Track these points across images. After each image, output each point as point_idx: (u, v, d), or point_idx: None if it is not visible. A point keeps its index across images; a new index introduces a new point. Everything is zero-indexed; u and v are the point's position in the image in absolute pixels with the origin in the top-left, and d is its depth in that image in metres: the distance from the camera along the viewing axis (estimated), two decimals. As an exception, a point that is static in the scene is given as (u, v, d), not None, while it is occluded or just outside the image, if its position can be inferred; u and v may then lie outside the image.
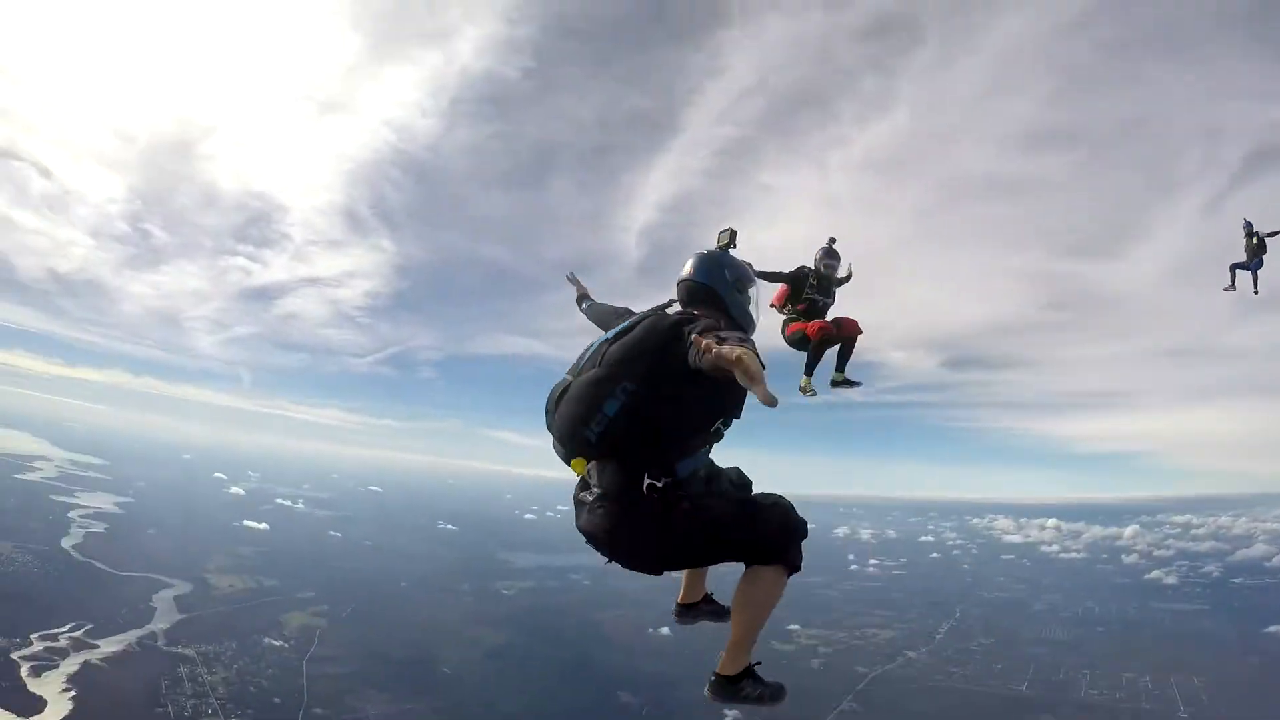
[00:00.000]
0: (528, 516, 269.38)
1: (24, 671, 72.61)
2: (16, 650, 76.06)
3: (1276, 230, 16.96)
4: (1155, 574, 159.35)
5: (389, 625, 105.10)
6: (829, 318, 11.53)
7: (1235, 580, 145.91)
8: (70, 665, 76.15)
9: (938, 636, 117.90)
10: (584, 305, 5.93)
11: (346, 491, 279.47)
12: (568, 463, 4.11)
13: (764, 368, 3.10)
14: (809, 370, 11.33)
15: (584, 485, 4.27)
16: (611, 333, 4.18)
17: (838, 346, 11.44)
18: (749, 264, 4.84)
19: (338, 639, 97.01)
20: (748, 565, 4.50)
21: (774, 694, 4.70)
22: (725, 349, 3.00)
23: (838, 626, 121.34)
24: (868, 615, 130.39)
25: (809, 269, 11.59)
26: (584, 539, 4.35)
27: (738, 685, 4.68)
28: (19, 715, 64.85)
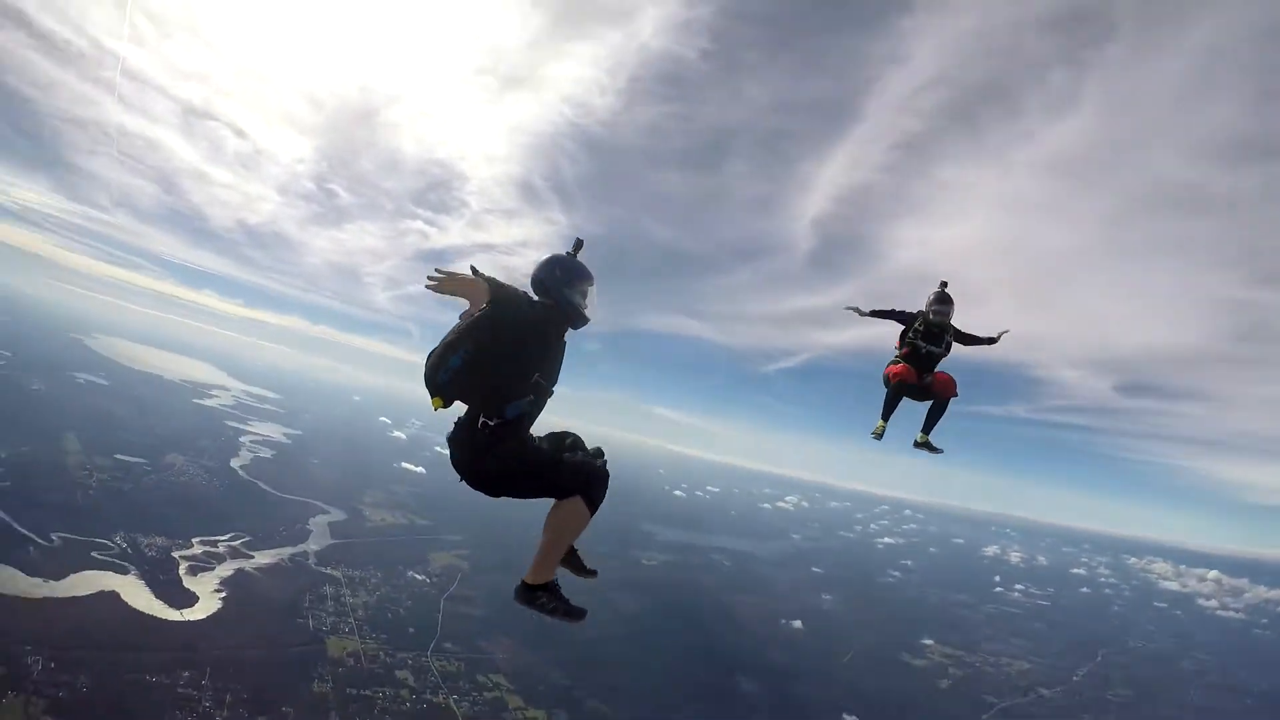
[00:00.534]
0: (677, 493, 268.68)
1: (182, 570, 77.70)
2: (178, 550, 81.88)
3: None
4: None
5: None
6: (937, 369, 11.31)
7: None
8: (225, 570, 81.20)
9: (1075, 678, 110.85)
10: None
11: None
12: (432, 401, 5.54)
13: (474, 279, 5.24)
14: (884, 414, 11.38)
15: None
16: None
17: (929, 404, 11.45)
18: (583, 267, 6.00)
19: (478, 583, 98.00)
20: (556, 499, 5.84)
21: (569, 612, 5.93)
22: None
23: (972, 649, 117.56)
24: (1005, 642, 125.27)
25: (923, 312, 11.26)
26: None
27: (536, 594, 5.98)
28: (171, 606, 68.88)
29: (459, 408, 5.74)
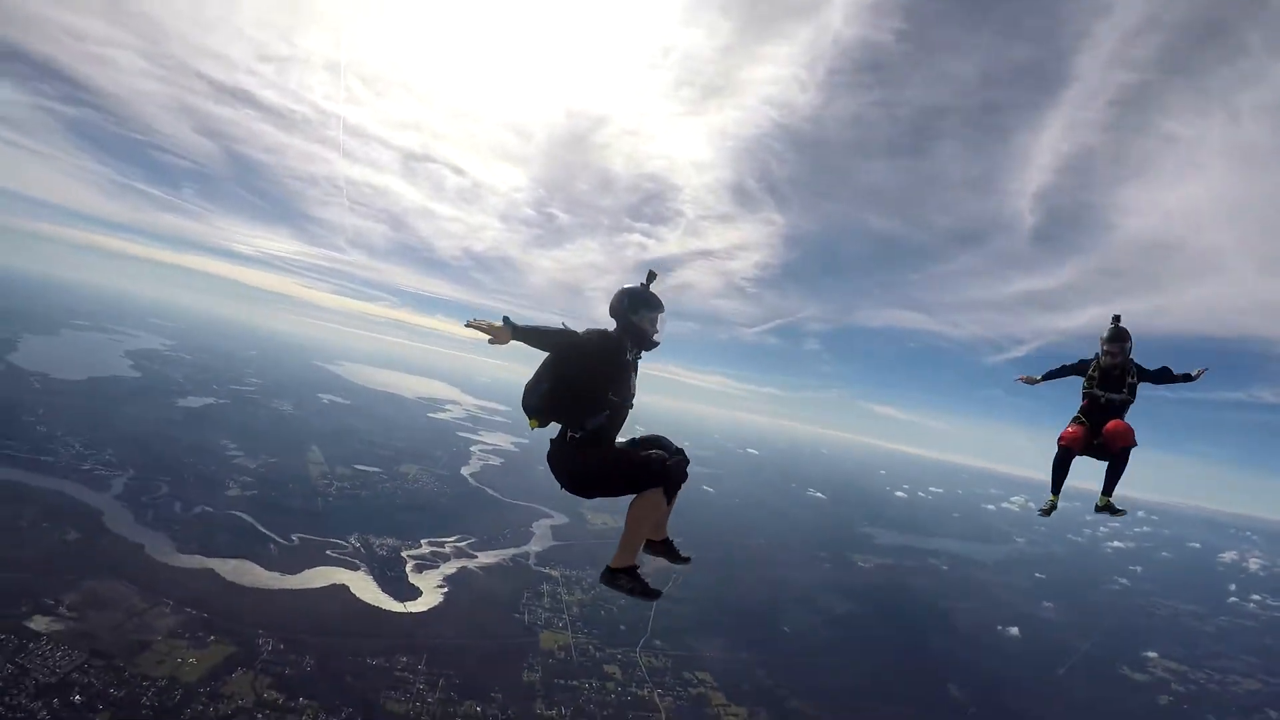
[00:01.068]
0: (898, 494, 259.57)
1: (409, 567, 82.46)
2: (407, 550, 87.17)
3: None
4: None
5: (742, 578, 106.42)
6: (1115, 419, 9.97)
7: None
8: (449, 568, 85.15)
9: None
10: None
11: (724, 451, 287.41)
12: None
13: (502, 326, 5.71)
14: (1054, 487, 10.56)
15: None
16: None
17: (1106, 463, 10.16)
18: (650, 296, 6.79)
19: (692, 582, 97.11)
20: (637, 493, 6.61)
21: (644, 591, 6.79)
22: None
23: (1199, 665, 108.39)
24: (1235, 659, 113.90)
25: (1097, 355, 10.17)
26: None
27: (617, 576, 6.75)
28: (395, 599, 72.83)
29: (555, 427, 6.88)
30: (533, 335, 5.94)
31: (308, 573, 73.39)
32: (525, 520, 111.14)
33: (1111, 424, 9.77)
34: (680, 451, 6.85)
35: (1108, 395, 9.96)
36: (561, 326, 6.35)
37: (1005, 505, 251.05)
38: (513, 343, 5.72)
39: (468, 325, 5.70)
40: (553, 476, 6.78)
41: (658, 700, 64.97)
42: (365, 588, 73.43)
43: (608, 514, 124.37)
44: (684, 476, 6.59)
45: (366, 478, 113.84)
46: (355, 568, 77.83)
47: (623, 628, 77.28)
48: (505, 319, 5.80)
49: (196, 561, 70.12)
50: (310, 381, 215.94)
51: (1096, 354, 10.05)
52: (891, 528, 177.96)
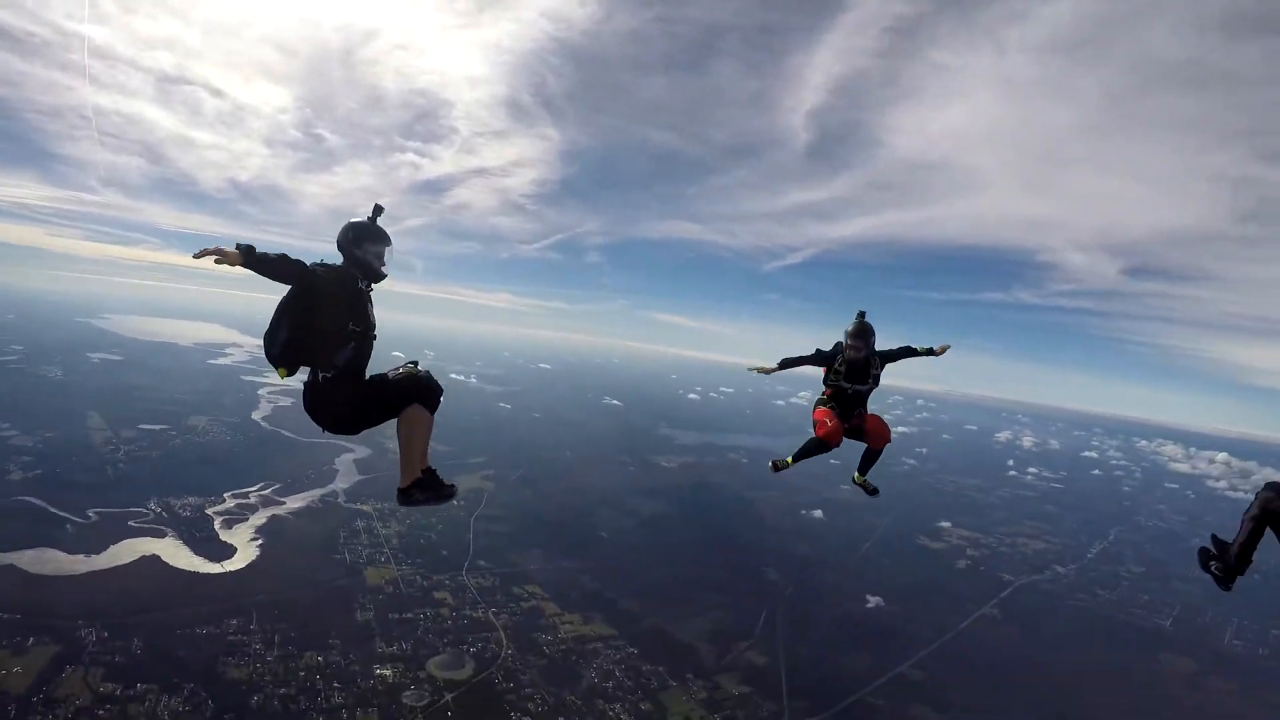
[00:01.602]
0: (691, 396, 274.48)
1: (217, 525, 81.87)
2: (211, 507, 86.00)
3: None
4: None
5: (552, 490, 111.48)
6: (871, 411, 10.66)
7: None
8: (259, 519, 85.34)
9: (1088, 556, 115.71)
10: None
11: (516, 368, 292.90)
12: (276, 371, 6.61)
13: (234, 251, 5.44)
14: (796, 457, 10.75)
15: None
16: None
17: (865, 446, 10.92)
18: (374, 229, 6.81)
19: (504, 500, 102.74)
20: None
21: (439, 493, 7.11)
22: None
23: (988, 531, 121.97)
24: (1020, 524, 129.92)
25: (839, 345, 10.39)
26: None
27: (410, 494, 7.04)
28: (211, 560, 72.66)
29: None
30: (266, 263, 5.70)
31: (114, 549, 70.42)
32: (326, 458, 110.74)
33: (873, 423, 10.44)
34: (416, 365, 7.10)
35: (855, 387, 10.34)
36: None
37: (794, 400, 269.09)
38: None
39: (196, 256, 5.52)
40: (313, 422, 6.86)
41: (494, 619, 66.97)
42: (177, 554, 71.99)
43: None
44: (440, 387, 6.93)
45: (154, 437, 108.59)
46: (162, 535, 75.87)
47: (445, 553, 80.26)
48: (239, 245, 5.68)
49: (-9, 559, 65.13)
50: (77, 341, 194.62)
51: (838, 344, 10.31)
52: (689, 428, 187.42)
